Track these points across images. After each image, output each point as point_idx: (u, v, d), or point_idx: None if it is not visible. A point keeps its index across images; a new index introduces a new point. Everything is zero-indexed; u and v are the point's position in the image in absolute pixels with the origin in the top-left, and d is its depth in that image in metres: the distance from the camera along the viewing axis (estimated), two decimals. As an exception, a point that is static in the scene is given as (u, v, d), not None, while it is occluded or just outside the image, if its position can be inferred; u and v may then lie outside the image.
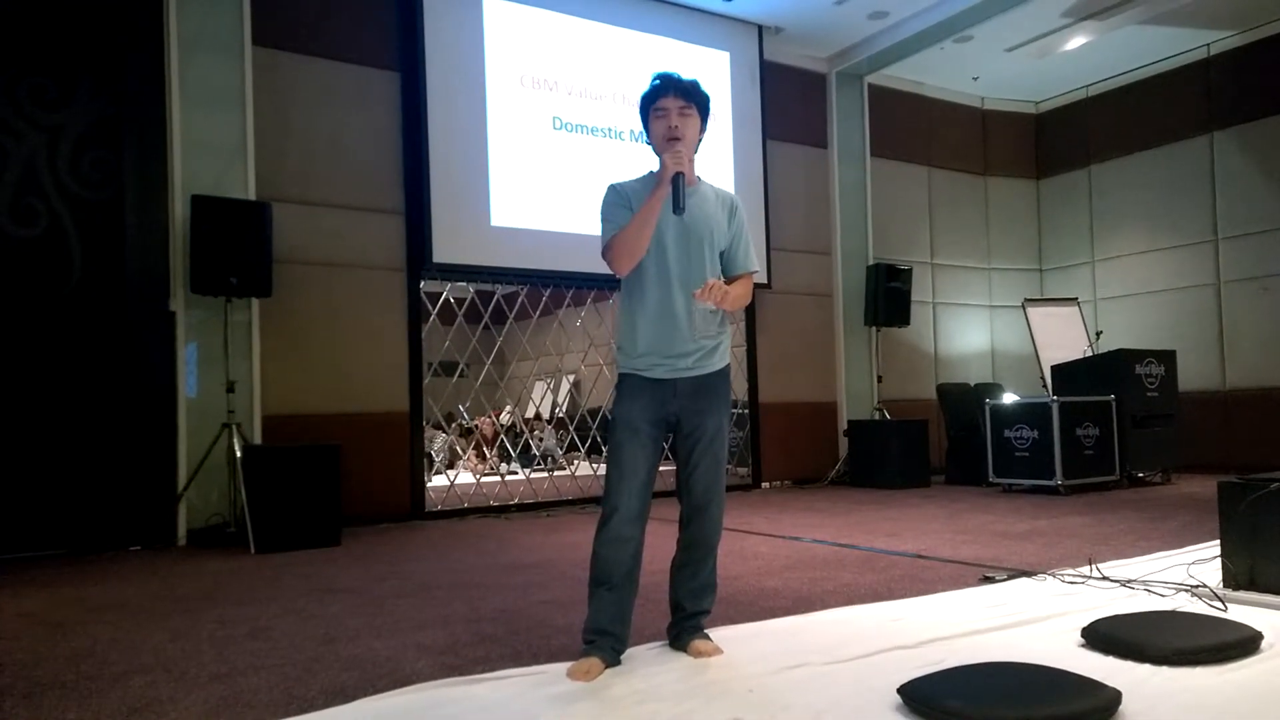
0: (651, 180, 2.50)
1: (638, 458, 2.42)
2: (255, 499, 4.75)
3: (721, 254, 2.55)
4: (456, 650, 2.65)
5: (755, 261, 2.62)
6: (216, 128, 5.45)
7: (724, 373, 2.56)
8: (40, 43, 5.05)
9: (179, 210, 5.26)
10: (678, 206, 2.37)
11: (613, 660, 2.39)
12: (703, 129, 2.53)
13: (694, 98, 2.48)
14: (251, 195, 5.47)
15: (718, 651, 2.48)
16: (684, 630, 2.54)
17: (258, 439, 5.43)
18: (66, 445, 4.95)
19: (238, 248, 5.11)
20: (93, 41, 5.19)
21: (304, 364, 5.74)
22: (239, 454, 5.00)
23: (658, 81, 2.49)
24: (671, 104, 2.45)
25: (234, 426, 5.14)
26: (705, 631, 2.57)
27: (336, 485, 4.98)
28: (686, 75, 2.53)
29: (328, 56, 5.97)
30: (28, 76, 5.00)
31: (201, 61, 5.42)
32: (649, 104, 2.50)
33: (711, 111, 2.58)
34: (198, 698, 2.27)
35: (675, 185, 2.37)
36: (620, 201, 2.48)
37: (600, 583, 2.42)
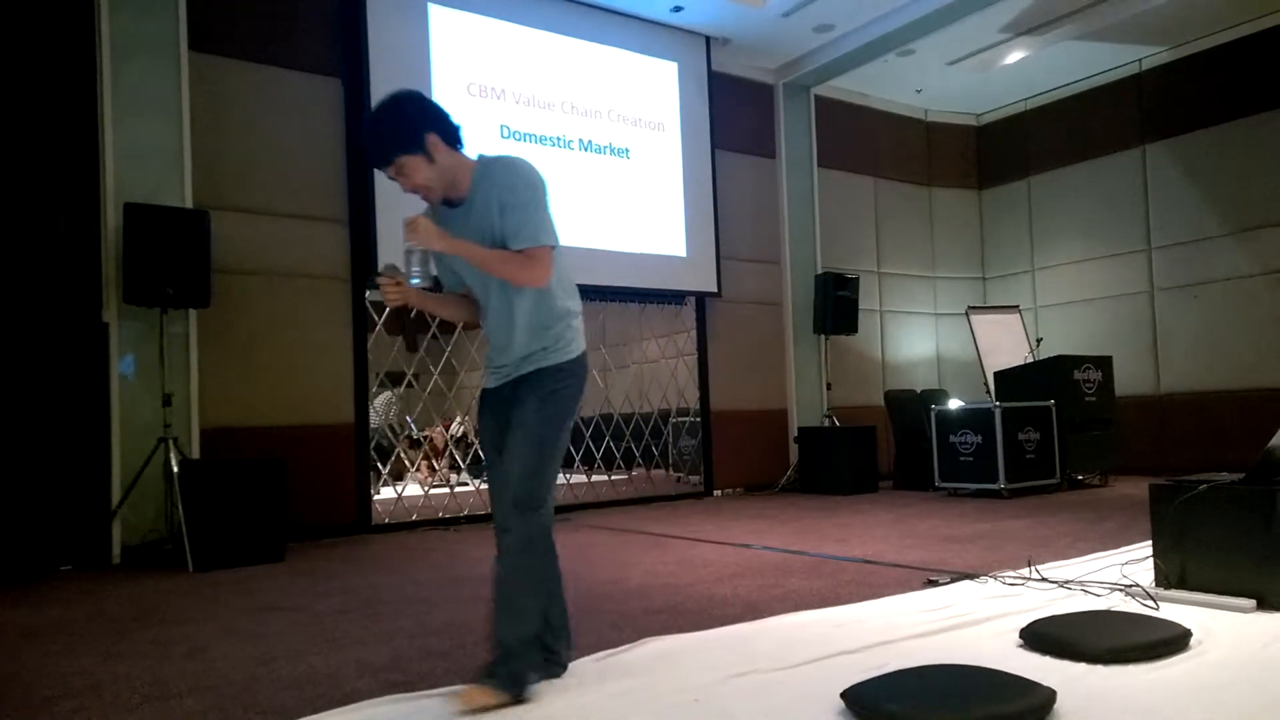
0: (439, 212, 2.37)
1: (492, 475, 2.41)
2: (193, 515, 4.62)
3: None
4: (401, 666, 2.61)
5: (529, 236, 2.22)
6: (151, 134, 5.30)
7: (546, 371, 2.31)
8: (-35, 45, 4.88)
9: (111, 219, 5.10)
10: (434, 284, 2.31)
11: (551, 672, 2.35)
12: (423, 149, 2.21)
13: (388, 157, 2.22)
14: (189, 203, 5.34)
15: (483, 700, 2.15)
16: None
17: (196, 453, 5.29)
18: (-7, 462, 4.77)
19: (174, 257, 4.98)
20: (20, 45, 5.02)
21: (245, 376, 5.61)
22: (175, 469, 4.86)
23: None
24: (384, 171, 2.26)
25: (170, 441, 5.00)
26: (491, 676, 2.18)
27: (279, 500, 4.86)
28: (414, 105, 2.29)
29: (267, 62, 5.85)
30: (-48, 80, 4.84)
31: (134, 66, 5.27)
32: None
33: (439, 126, 2.25)
34: (128, 722, 2.19)
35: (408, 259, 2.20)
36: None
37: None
